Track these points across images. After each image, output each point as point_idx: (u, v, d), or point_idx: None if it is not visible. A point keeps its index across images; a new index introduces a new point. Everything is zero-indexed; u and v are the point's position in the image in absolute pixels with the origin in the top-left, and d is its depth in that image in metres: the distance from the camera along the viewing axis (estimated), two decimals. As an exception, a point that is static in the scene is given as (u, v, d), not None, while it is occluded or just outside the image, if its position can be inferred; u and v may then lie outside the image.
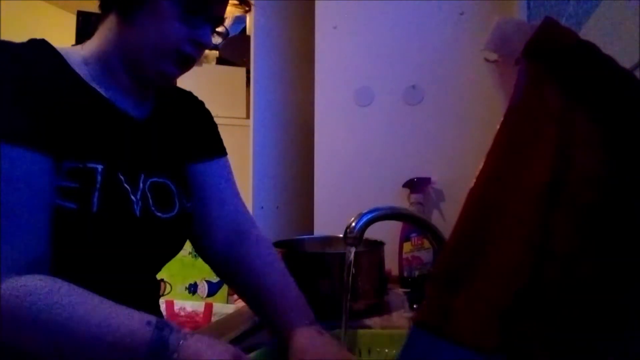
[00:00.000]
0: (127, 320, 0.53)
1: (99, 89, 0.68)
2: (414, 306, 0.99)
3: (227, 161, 0.85)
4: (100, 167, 0.63)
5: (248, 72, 1.90)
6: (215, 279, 1.84)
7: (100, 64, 0.69)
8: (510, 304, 0.39)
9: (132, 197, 0.66)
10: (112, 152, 0.66)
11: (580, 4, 0.80)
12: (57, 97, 0.62)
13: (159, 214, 0.69)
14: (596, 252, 0.39)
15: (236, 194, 0.84)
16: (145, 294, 0.76)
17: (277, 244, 1.02)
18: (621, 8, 0.63)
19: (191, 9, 0.66)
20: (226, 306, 1.77)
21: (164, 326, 0.54)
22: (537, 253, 0.39)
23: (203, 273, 1.83)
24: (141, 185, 0.68)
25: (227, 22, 0.73)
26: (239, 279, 0.77)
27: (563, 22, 0.83)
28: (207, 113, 0.87)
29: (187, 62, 0.70)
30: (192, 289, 1.82)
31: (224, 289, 1.83)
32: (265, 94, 1.62)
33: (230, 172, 0.85)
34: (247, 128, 1.60)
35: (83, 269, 0.60)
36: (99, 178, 0.63)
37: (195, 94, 0.88)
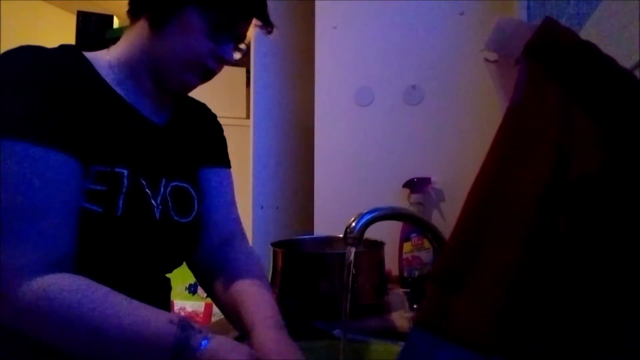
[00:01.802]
0: (153, 318, 0.55)
1: (122, 94, 0.70)
2: (414, 306, 0.99)
3: (230, 175, 0.88)
4: (126, 172, 0.65)
5: (248, 72, 1.90)
6: (215, 279, 1.84)
7: (126, 69, 0.71)
8: (510, 303, 0.39)
9: (153, 201, 0.68)
10: (136, 156, 0.68)
11: (580, 4, 0.80)
12: (86, 102, 0.64)
13: (177, 218, 0.72)
14: (596, 252, 0.39)
15: (233, 205, 0.86)
16: (158, 293, 0.78)
17: (277, 244, 1.02)
18: (621, 8, 0.63)
19: (218, 27, 0.70)
20: (226, 306, 1.77)
21: (186, 326, 0.55)
22: (537, 253, 0.39)
23: (203, 273, 1.83)
24: (162, 189, 0.70)
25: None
26: (217, 285, 0.77)
27: (563, 22, 0.83)
28: (219, 126, 0.90)
29: (208, 75, 0.74)
30: (192, 289, 1.82)
31: (224, 289, 1.83)
32: (265, 94, 1.62)
33: (231, 185, 0.87)
34: (247, 128, 1.60)
35: (102, 269, 0.62)
36: (125, 182, 0.65)
37: (195, 93, 0.88)
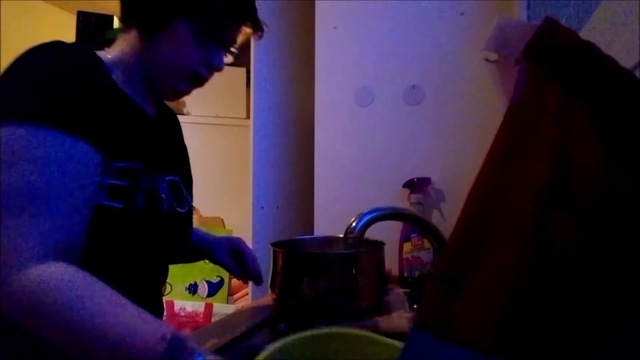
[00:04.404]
0: (145, 331, 0.52)
1: (128, 93, 0.73)
2: (414, 306, 0.99)
3: None
4: (142, 167, 0.68)
5: (248, 72, 1.90)
6: (215, 279, 1.84)
7: (123, 72, 0.74)
8: (510, 304, 0.39)
9: (162, 194, 0.72)
10: (148, 152, 0.72)
11: (580, 4, 0.80)
12: (104, 100, 0.66)
13: (179, 209, 0.77)
14: (596, 252, 0.39)
15: None
16: (158, 282, 0.82)
17: (277, 244, 1.02)
18: (621, 8, 0.63)
19: (207, 36, 0.73)
20: (226, 306, 1.78)
21: (178, 345, 0.51)
22: (537, 253, 0.39)
23: (203, 273, 1.83)
24: (165, 183, 0.74)
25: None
26: None
27: (563, 22, 0.83)
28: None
29: (200, 82, 0.78)
30: (192, 289, 1.83)
31: (224, 289, 1.83)
32: (265, 94, 1.62)
33: None
34: (247, 128, 1.60)
35: (112, 263, 0.63)
36: (145, 178, 0.68)
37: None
